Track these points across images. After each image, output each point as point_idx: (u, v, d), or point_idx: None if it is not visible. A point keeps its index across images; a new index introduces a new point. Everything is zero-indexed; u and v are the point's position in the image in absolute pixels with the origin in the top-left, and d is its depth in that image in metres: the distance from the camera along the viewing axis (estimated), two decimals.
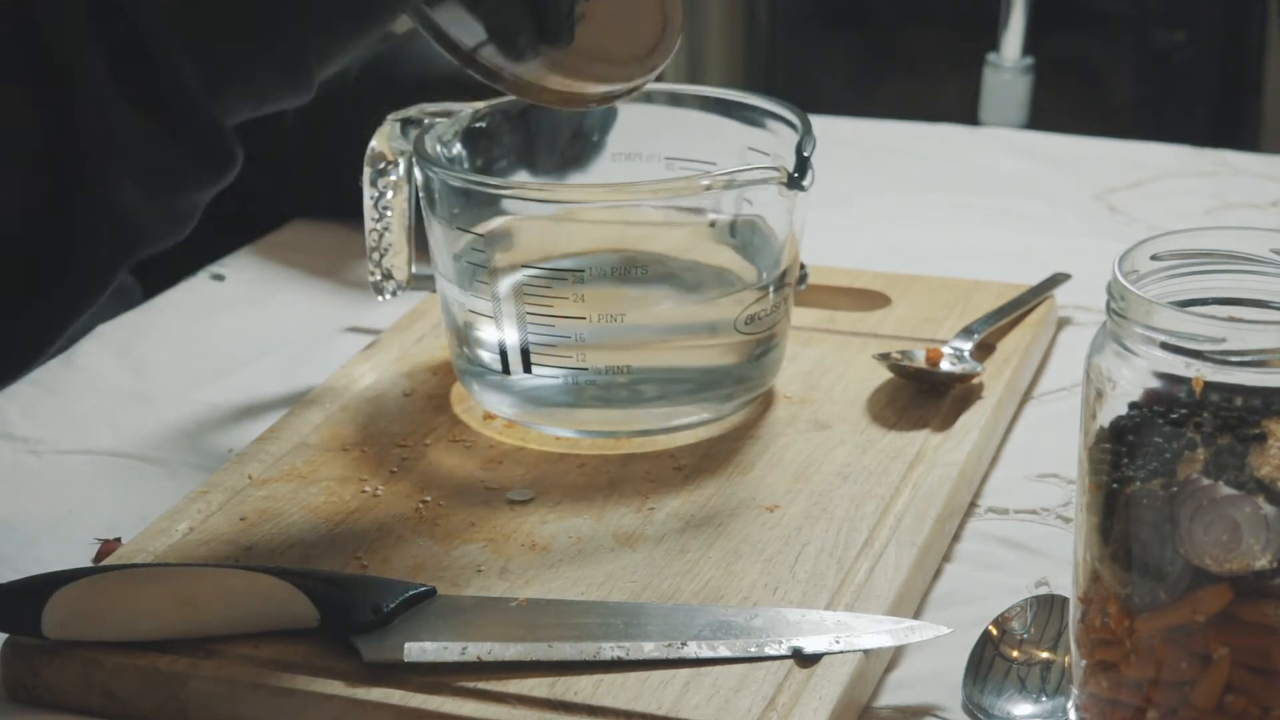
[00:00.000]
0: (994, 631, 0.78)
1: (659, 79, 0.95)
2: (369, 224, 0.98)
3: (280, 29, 0.79)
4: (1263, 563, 0.65)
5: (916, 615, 0.82)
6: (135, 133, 0.75)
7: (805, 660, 0.75)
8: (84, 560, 0.86)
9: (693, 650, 0.75)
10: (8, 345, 0.77)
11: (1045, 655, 0.76)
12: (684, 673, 0.74)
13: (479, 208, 0.92)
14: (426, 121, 0.96)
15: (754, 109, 0.98)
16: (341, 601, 0.76)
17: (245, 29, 0.77)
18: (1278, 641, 0.66)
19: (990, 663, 0.76)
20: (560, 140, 1.02)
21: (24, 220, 0.72)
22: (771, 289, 0.93)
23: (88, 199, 0.75)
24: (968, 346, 1.00)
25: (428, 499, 0.88)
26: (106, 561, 0.83)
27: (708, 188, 0.89)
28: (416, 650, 0.75)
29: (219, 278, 1.19)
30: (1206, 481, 0.65)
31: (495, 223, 0.92)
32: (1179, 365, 0.66)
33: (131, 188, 0.78)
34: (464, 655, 0.75)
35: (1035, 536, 0.88)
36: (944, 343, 1.01)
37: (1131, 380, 0.67)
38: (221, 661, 0.76)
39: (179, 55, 0.73)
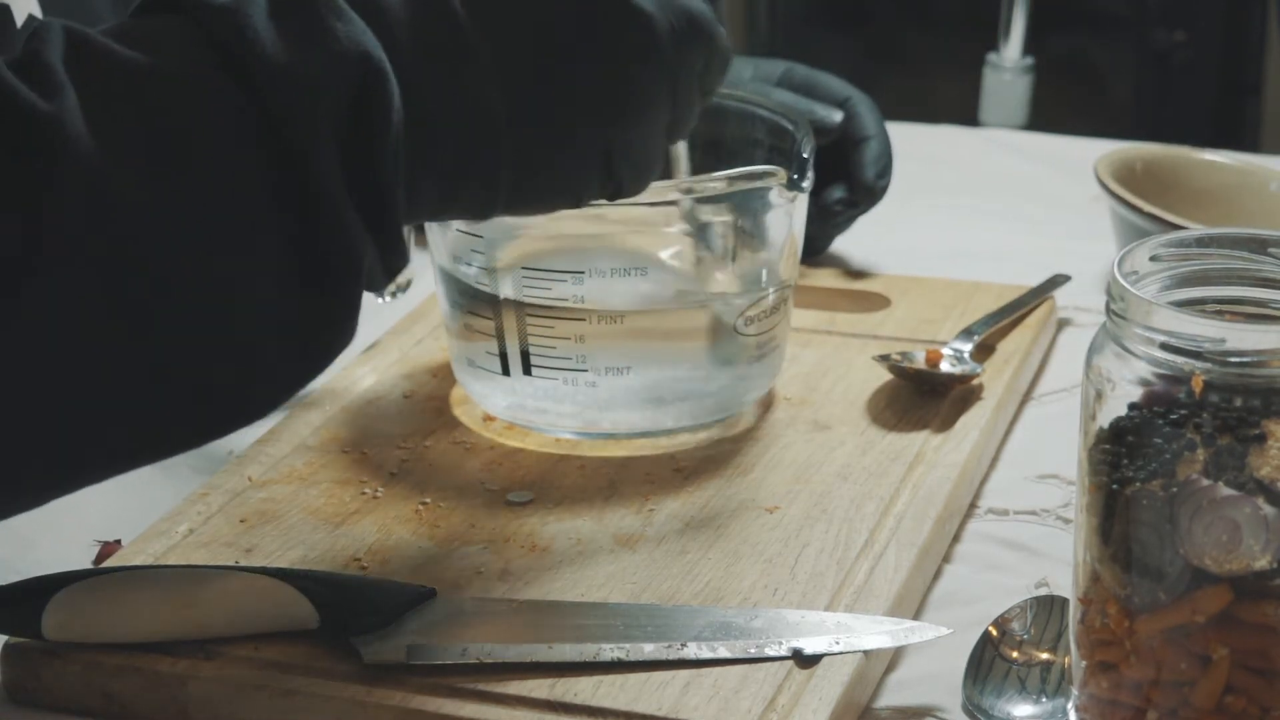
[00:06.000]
0: (994, 632, 0.78)
1: None
2: None
3: (480, 182, 0.78)
4: (1262, 563, 0.65)
5: (916, 616, 0.82)
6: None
7: (805, 661, 0.75)
8: (84, 562, 0.86)
9: (692, 651, 0.75)
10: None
11: (1045, 656, 0.76)
12: (684, 674, 0.74)
13: None
14: None
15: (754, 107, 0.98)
16: (341, 603, 0.76)
17: (450, 172, 0.77)
18: (1278, 642, 0.66)
19: (990, 663, 0.76)
20: None
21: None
22: (771, 291, 0.93)
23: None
24: (967, 348, 1.00)
25: (427, 500, 0.88)
26: (106, 563, 0.83)
27: (708, 187, 0.89)
28: (416, 651, 0.75)
29: None
30: (1206, 482, 0.65)
31: (495, 224, 0.92)
32: (1179, 366, 0.66)
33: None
34: (464, 657, 0.75)
35: (1035, 537, 0.88)
36: (944, 344, 1.01)
37: (1131, 381, 0.67)
38: (222, 663, 0.76)
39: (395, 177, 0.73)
